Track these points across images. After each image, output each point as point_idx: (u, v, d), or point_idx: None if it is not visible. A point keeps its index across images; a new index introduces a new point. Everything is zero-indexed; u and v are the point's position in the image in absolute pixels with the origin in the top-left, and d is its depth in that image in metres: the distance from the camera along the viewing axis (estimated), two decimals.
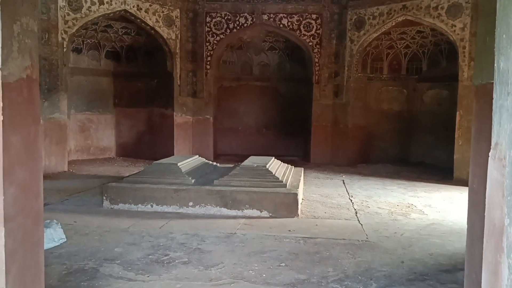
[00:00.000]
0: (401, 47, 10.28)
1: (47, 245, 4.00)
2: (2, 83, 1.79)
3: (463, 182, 7.52)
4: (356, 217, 5.53)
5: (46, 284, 2.69)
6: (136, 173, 6.57)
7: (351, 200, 6.52)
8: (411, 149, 10.59)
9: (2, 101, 1.94)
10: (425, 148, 10.29)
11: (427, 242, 4.52)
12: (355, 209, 5.96)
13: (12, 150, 2.23)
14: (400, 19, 9.22)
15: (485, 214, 1.28)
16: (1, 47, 1.62)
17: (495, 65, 1.17)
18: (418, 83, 10.48)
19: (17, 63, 2.36)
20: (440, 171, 8.99)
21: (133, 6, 9.43)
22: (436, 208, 6.10)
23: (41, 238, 2.69)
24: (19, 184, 2.35)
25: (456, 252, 4.18)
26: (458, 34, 8.30)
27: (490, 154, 1.24)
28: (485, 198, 1.33)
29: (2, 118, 1.56)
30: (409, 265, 3.85)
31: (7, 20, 1.93)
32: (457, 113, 8.26)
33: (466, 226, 2.53)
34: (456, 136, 8.29)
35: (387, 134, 10.62)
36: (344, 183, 7.92)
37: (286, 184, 5.73)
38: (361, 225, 5.17)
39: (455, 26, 8.34)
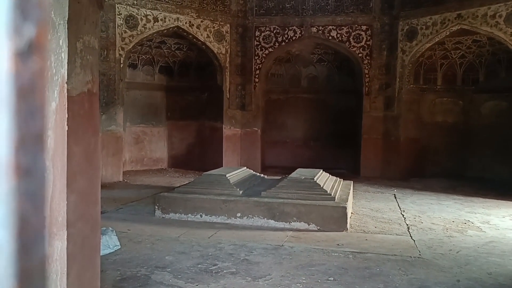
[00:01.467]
0: (456, 57, 9.91)
1: (103, 251, 4.19)
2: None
3: None
4: (408, 233, 5.34)
5: None
6: (186, 183, 6.74)
7: (403, 215, 6.31)
8: (468, 164, 10.09)
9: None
10: (483, 163, 9.77)
11: (486, 261, 4.28)
12: (407, 225, 5.75)
13: (74, 160, 2.38)
14: (454, 28, 8.91)
15: None
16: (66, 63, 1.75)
17: None
18: (475, 94, 10.02)
19: (80, 78, 2.52)
20: (500, 186, 8.49)
21: (186, 23, 9.77)
22: (496, 225, 5.77)
23: (98, 244, 2.83)
24: (79, 192, 2.49)
25: None
26: None
27: None
28: None
29: (66, 129, 1.68)
30: (465, 285, 3.66)
31: (71, 38, 2.08)
32: None
33: None
34: None
35: (441, 147, 10.20)
36: (395, 198, 7.68)
37: (334, 197, 5.65)
38: (414, 241, 4.98)
39: None
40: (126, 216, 5.96)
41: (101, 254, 3.42)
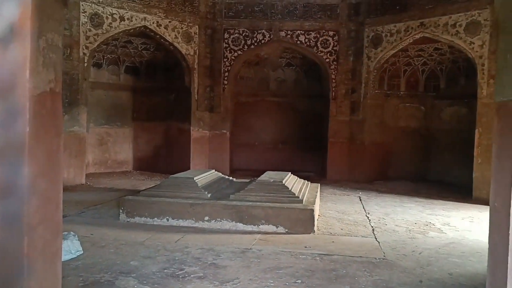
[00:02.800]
0: (418, 64, 10.23)
1: (64, 257, 4.04)
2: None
3: (482, 201, 7.37)
4: (373, 235, 5.45)
5: None
6: (152, 186, 6.62)
7: (368, 217, 6.44)
8: (429, 167, 10.44)
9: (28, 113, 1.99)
10: (444, 166, 10.14)
11: (447, 262, 4.42)
12: (372, 227, 5.87)
13: (36, 162, 2.28)
14: (417, 36, 9.21)
15: (509, 235, 1.25)
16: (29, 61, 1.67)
17: None
18: (436, 100, 10.38)
19: (42, 76, 2.42)
20: (459, 189, 8.82)
21: (153, 23, 9.63)
22: (455, 227, 5.98)
23: (60, 249, 2.72)
24: (41, 195, 2.39)
25: (477, 273, 4.07)
26: (477, 51, 8.23)
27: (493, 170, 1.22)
28: (508, 217, 1.30)
29: (27, 130, 1.61)
30: (428, 285, 3.76)
31: (33, 36, 2.00)
32: (476, 131, 8.14)
33: (486, 245, 2.47)
34: (475, 154, 8.15)
35: (404, 151, 10.51)
36: (361, 200, 7.83)
37: (302, 200, 5.69)
38: (378, 242, 5.09)
39: (473, 43, 8.27)
40: (89, 220, 5.78)
41: (62, 260, 3.29)
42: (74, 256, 4.19)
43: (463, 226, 6.04)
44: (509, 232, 1.19)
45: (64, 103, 8.42)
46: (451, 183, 9.63)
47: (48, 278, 2.53)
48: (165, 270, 3.93)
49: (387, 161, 10.47)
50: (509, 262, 1.22)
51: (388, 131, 10.49)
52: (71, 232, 4.44)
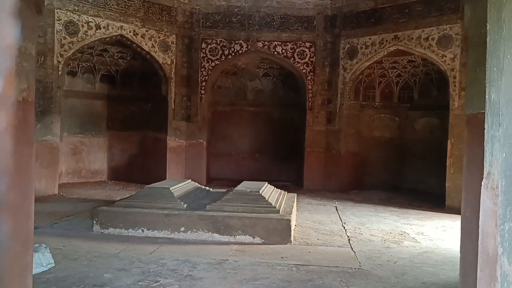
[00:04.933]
0: (393, 75, 10.47)
1: (35, 269, 3.92)
2: None
3: (455, 210, 7.55)
4: (349, 244, 5.50)
5: None
6: (127, 197, 6.51)
7: (344, 227, 6.49)
8: (403, 176, 10.64)
9: None
10: (417, 175, 10.35)
11: (420, 271, 4.49)
12: (348, 236, 5.92)
13: (5, 173, 2.22)
14: (391, 48, 9.43)
15: (478, 243, 1.28)
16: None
17: (487, 96, 1.20)
18: (410, 111, 10.63)
19: (14, 86, 2.37)
20: (432, 198, 9.01)
21: (130, 31, 9.55)
22: (429, 236, 6.09)
23: (30, 262, 2.63)
24: (10, 207, 2.32)
25: (450, 281, 4.15)
26: (448, 64, 8.48)
27: (482, 183, 1.26)
28: (478, 226, 1.34)
29: None
30: None
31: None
32: (449, 141, 8.35)
33: (459, 254, 2.53)
34: (447, 164, 8.35)
35: (379, 161, 10.69)
36: (337, 210, 7.90)
37: (279, 210, 5.70)
38: (354, 252, 5.13)
39: (445, 56, 8.53)
40: (61, 232, 5.63)
41: (33, 273, 3.19)
42: (46, 269, 4.06)
43: (436, 235, 6.16)
44: (479, 241, 1.23)
45: (37, 112, 8.22)
46: (425, 192, 9.84)
47: None
48: (140, 283, 3.85)
49: (363, 171, 10.62)
50: (478, 269, 1.25)
51: (364, 141, 10.66)
52: (43, 244, 4.31)
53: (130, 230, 5.49)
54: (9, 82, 1.80)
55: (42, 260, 4.09)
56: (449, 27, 8.45)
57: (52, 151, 8.67)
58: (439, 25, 8.58)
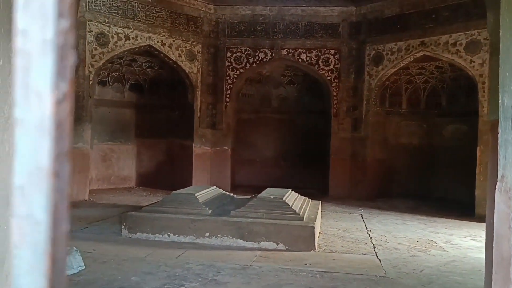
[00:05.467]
0: (420, 82, 10.33)
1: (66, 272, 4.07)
2: None
3: (484, 219, 7.35)
4: (374, 252, 5.44)
5: None
6: (154, 202, 6.66)
7: (369, 235, 6.43)
8: (432, 184, 10.43)
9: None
10: (446, 184, 10.13)
11: (448, 280, 4.41)
12: (373, 244, 5.87)
13: None
14: (418, 54, 9.32)
15: (493, 246, 1.29)
16: None
17: (500, 101, 1.22)
18: (438, 118, 10.44)
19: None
20: (461, 207, 8.80)
21: (157, 42, 9.80)
22: (457, 245, 5.96)
23: (64, 261, 2.76)
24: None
25: None
26: (477, 69, 8.32)
27: (496, 186, 1.26)
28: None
29: None
30: None
31: None
32: (478, 148, 8.16)
33: None
34: (477, 172, 8.16)
35: (406, 168, 10.52)
36: (362, 218, 7.82)
37: (303, 217, 5.71)
38: (379, 260, 5.08)
39: (474, 62, 8.37)
40: (91, 236, 5.81)
41: None
42: (76, 271, 4.21)
43: (465, 244, 6.02)
44: (493, 244, 1.23)
45: None
46: (454, 200, 9.61)
47: None
48: (166, 286, 3.94)
49: (389, 179, 10.47)
50: (493, 272, 1.25)
51: (390, 148, 10.52)
52: (74, 248, 4.47)
53: (157, 234, 5.61)
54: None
55: (73, 263, 4.24)
56: (477, 32, 8.29)
57: (83, 158, 8.95)
58: (467, 30, 8.44)
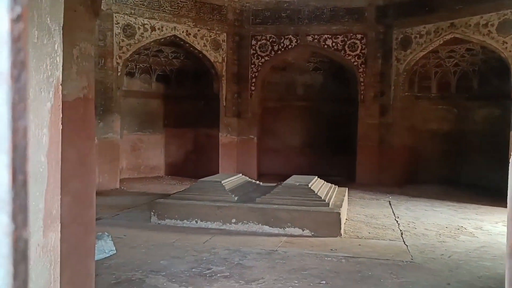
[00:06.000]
0: (450, 65, 10.04)
1: (98, 256, 4.23)
2: (61, 101, 2.01)
3: None
4: (401, 238, 5.40)
5: None
6: (182, 190, 6.80)
7: (397, 221, 6.37)
8: (462, 170, 10.17)
9: (61, 119, 2.15)
10: (477, 170, 9.85)
11: (476, 265, 4.34)
12: (400, 230, 5.81)
13: (69, 163, 2.45)
14: (448, 37, 9.05)
15: (507, 229, 1.27)
16: (62, 69, 1.83)
17: None
18: (468, 102, 10.13)
19: (76, 84, 2.60)
20: (493, 193, 8.55)
21: (183, 32, 9.89)
22: (488, 231, 5.83)
23: (92, 245, 2.89)
24: (74, 194, 2.56)
25: None
26: (510, 51, 8.01)
27: (510, 166, 1.24)
28: None
29: (60, 128, 1.76)
30: (455, 287, 3.72)
31: (67, 45, 2.16)
32: (511, 133, 7.89)
33: None
34: (510, 157, 7.89)
35: (436, 154, 10.30)
36: (390, 204, 7.74)
37: (328, 203, 5.71)
38: (406, 246, 5.04)
39: (506, 43, 8.06)
40: (122, 222, 6.00)
41: (96, 259, 3.47)
42: (108, 255, 4.38)
43: (496, 230, 5.88)
44: (508, 227, 1.21)
45: (99, 111, 8.75)
46: (485, 186, 9.34)
47: (81, 272, 2.70)
48: (193, 269, 4.05)
49: (418, 165, 10.29)
50: (506, 257, 1.22)
51: (419, 134, 10.31)
52: (105, 233, 4.65)
53: (185, 221, 5.74)
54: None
55: (104, 247, 4.41)
56: (510, 11, 7.97)
57: (113, 148, 9.20)
58: (499, 10, 8.11)
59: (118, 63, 9.17)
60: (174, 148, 11.62)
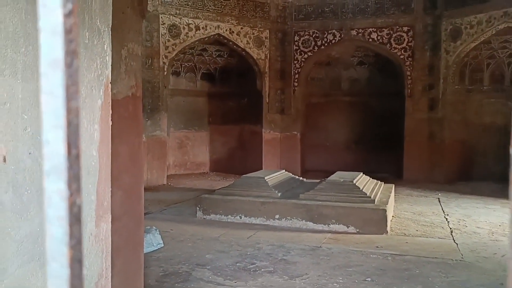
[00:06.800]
0: (503, 56, 9.52)
1: (147, 249, 4.40)
2: (111, 100, 2.11)
3: None
4: (451, 236, 5.22)
5: (145, 284, 2.98)
6: (226, 186, 6.91)
7: (446, 219, 6.15)
8: None
9: (112, 116, 2.26)
10: None
11: None
12: (450, 228, 5.61)
13: (120, 159, 2.57)
14: (501, 27, 8.59)
15: None
16: (111, 69, 1.93)
17: None
18: None
19: (124, 83, 2.72)
20: None
21: (226, 30, 10.02)
22: None
23: (142, 238, 3.01)
24: (125, 188, 2.68)
25: None
26: None
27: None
28: None
29: (110, 124, 1.86)
30: None
31: (116, 45, 2.27)
32: None
33: None
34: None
35: (490, 149, 9.80)
36: (439, 201, 7.48)
37: (374, 200, 5.61)
38: (456, 244, 4.87)
39: None
40: (170, 217, 6.19)
41: (145, 252, 3.61)
42: (156, 248, 4.54)
43: None
44: None
45: (147, 109, 9.06)
46: None
47: (132, 263, 2.82)
48: (238, 264, 4.12)
49: (470, 161, 9.85)
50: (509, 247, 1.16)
51: (471, 128, 9.86)
52: (154, 227, 4.82)
53: (229, 216, 5.84)
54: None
55: (153, 241, 4.58)
56: None
57: (161, 145, 9.49)
58: None
59: (164, 63, 9.43)
60: (218, 145, 11.81)
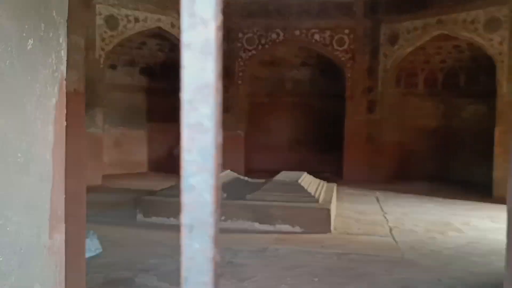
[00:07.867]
0: (437, 61, 10.07)
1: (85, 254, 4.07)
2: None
3: (503, 200, 7.19)
4: (391, 234, 5.37)
5: None
6: (168, 187, 6.64)
7: (385, 217, 6.35)
8: (450, 166, 10.24)
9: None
10: (465, 166, 9.92)
11: (467, 261, 4.33)
12: (389, 226, 5.79)
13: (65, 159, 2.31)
14: (435, 33, 9.07)
15: (506, 225, 1.20)
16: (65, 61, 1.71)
17: None
18: (456, 99, 10.19)
19: (67, 77, 2.45)
20: (480, 189, 8.63)
21: (168, 23, 9.68)
22: (476, 227, 5.85)
23: (84, 245, 2.76)
24: (68, 192, 2.41)
25: (500, 271, 3.96)
26: (496, 48, 8.07)
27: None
28: None
29: (65, 125, 1.64)
30: (448, 283, 3.70)
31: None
32: (496, 129, 7.97)
33: None
34: (495, 153, 7.97)
35: (424, 150, 10.33)
36: (378, 200, 7.73)
37: (318, 200, 5.65)
38: (396, 242, 5.02)
39: (492, 40, 8.11)
40: (107, 220, 5.82)
41: None
42: (94, 254, 4.22)
43: (484, 226, 5.91)
44: (507, 222, 1.14)
45: None
46: (473, 182, 9.41)
47: (74, 271, 2.55)
48: None
49: (406, 161, 10.31)
50: (506, 251, 1.17)
51: (407, 130, 10.33)
52: (91, 231, 4.47)
53: (172, 218, 5.60)
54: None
55: (90, 246, 4.24)
56: (496, 9, 8.01)
57: (96, 143, 8.95)
58: (486, 7, 8.16)
59: (100, 55, 8.91)
60: (158, 144, 11.40)
